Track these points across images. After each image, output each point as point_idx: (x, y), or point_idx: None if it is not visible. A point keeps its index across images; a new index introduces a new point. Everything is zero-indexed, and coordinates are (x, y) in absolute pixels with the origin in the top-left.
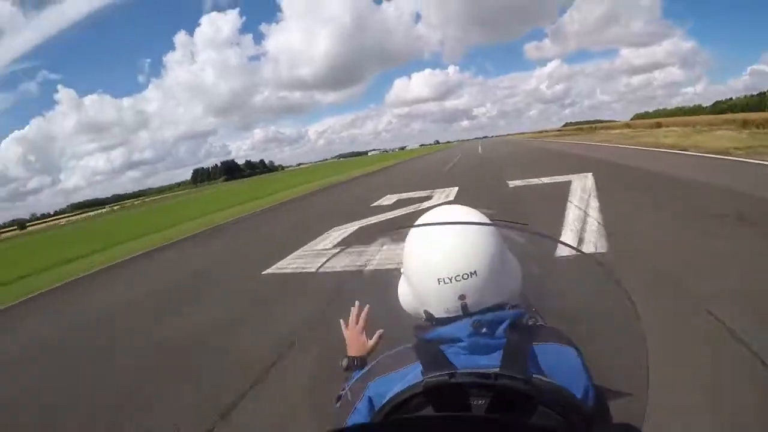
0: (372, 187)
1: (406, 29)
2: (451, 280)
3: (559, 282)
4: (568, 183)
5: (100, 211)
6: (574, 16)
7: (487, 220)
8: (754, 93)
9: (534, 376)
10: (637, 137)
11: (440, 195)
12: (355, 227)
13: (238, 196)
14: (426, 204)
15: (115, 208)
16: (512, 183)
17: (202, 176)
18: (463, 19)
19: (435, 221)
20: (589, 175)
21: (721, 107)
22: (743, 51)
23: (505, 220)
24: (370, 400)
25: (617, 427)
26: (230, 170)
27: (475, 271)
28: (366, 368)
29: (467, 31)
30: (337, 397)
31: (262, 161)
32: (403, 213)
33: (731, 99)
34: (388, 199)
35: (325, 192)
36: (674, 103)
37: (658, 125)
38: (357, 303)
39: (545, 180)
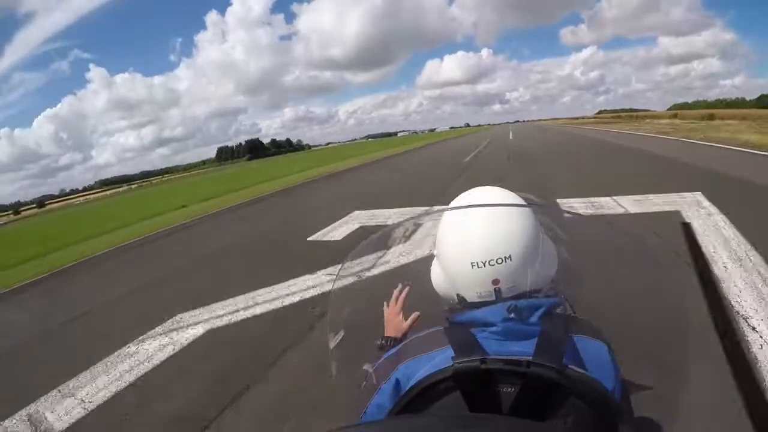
0: (360, 190)
1: (440, 10)
2: (484, 264)
3: (596, 271)
4: (673, 215)
5: (121, 188)
6: (612, 1)
7: (523, 203)
8: None
9: (569, 366)
10: (699, 130)
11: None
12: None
13: (249, 176)
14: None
15: (138, 186)
16: (568, 204)
17: (226, 154)
18: (498, 1)
19: (470, 203)
20: (701, 197)
21: (766, 101)
22: None
23: (539, 202)
24: (397, 381)
25: (641, 421)
26: (255, 149)
27: (509, 256)
28: (395, 349)
29: (502, 14)
30: (363, 377)
31: (288, 140)
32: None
33: None
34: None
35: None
36: (711, 95)
37: (711, 117)
38: (399, 285)
39: (625, 204)
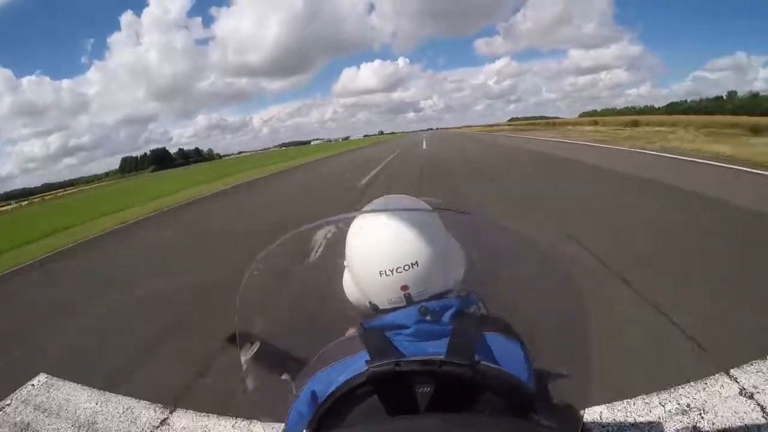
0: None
1: (359, 18)
2: (392, 272)
3: (503, 270)
4: None
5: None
6: (527, 14)
7: (434, 216)
8: (710, 96)
9: (481, 362)
10: (641, 138)
11: None
12: None
13: (127, 196)
14: None
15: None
16: None
17: (130, 165)
18: (417, 12)
19: (377, 218)
20: None
21: (676, 108)
22: (688, 58)
23: (449, 208)
24: (313, 392)
25: (560, 408)
26: (160, 159)
27: (416, 262)
28: (314, 357)
29: (420, 24)
30: (280, 389)
31: (197, 149)
32: None
33: (686, 101)
34: None
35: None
36: (617, 103)
37: (635, 123)
38: None
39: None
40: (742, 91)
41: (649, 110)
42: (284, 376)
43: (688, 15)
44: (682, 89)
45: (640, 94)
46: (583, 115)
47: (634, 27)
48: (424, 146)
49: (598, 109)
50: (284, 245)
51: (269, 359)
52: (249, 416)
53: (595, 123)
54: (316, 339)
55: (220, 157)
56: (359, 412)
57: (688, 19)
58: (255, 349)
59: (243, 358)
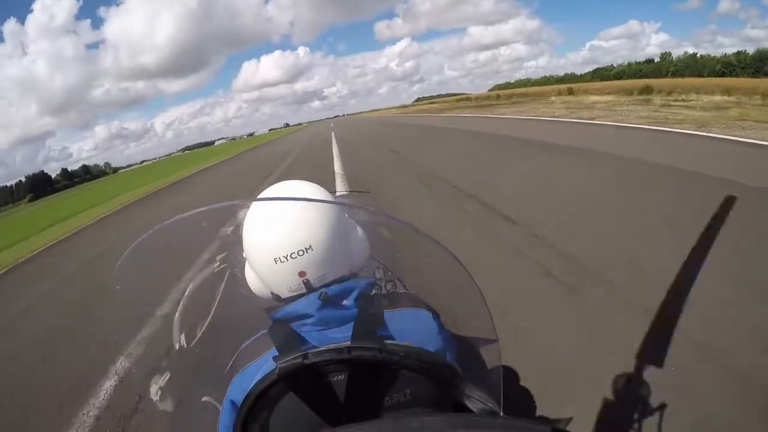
0: None
1: (255, 10)
2: (287, 258)
3: (410, 249)
4: None
5: None
6: None
7: (326, 196)
8: (637, 61)
9: (388, 342)
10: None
11: None
12: None
13: None
14: None
15: None
16: None
17: (4, 197)
18: None
19: (271, 197)
20: None
21: (605, 74)
22: (583, 29)
23: (347, 193)
24: (232, 402)
25: (483, 373)
26: (39, 185)
27: (310, 246)
28: (228, 365)
29: (318, 11)
30: (205, 409)
31: (84, 167)
32: None
33: (613, 66)
34: None
35: None
36: (517, 75)
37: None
38: None
39: None
40: (636, 57)
41: (545, 81)
42: (206, 398)
43: None
44: (579, 58)
45: (539, 65)
46: (496, 88)
47: (530, 1)
48: (334, 141)
49: (511, 81)
50: (156, 241)
51: (185, 380)
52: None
53: (567, 92)
54: (229, 345)
55: (114, 171)
56: (279, 412)
57: None
58: (166, 378)
59: (154, 389)
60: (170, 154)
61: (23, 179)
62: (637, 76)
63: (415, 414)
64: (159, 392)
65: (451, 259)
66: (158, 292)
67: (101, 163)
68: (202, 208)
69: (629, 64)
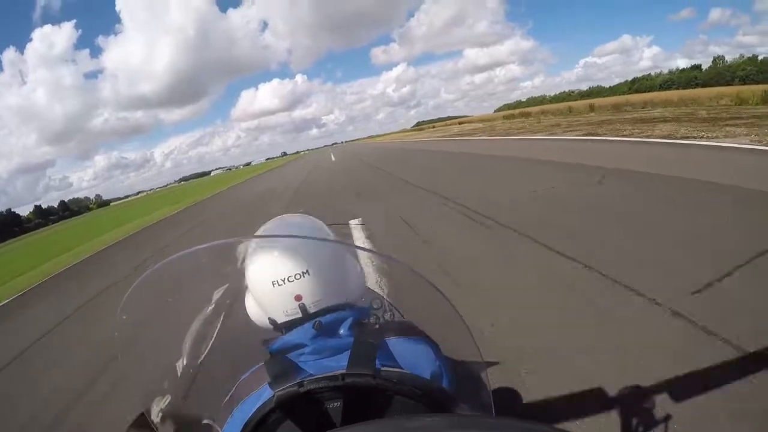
0: None
1: (252, 38)
2: (284, 281)
3: (406, 278)
4: None
5: None
6: (421, 19)
7: (323, 228)
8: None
9: (383, 369)
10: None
11: None
12: None
13: None
14: None
15: None
16: None
17: None
18: (311, 26)
19: (273, 232)
20: None
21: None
22: (576, 47)
23: (342, 223)
24: (231, 428)
25: (475, 397)
26: (2, 225)
27: (306, 270)
28: (227, 397)
29: (315, 38)
30: (203, 428)
31: (62, 203)
32: None
33: (650, 75)
34: None
35: None
36: (513, 96)
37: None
38: None
39: None
40: (629, 72)
41: (539, 101)
42: (205, 421)
43: (575, 4)
44: (573, 76)
45: (535, 85)
46: (503, 108)
47: (524, 22)
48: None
49: (510, 103)
50: (160, 277)
51: (186, 405)
52: None
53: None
54: (228, 374)
55: (105, 204)
56: None
57: (574, 9)
58: (167, 401)
59: (155, 411)
60: (167, 185)
61: None
62: (681, 87)
63: (415, 414)
64: (160, 414)
65: (435, 291)
66: (162, 328)
67: (101, 194)
68: (204, 245)
69: (669, 73)
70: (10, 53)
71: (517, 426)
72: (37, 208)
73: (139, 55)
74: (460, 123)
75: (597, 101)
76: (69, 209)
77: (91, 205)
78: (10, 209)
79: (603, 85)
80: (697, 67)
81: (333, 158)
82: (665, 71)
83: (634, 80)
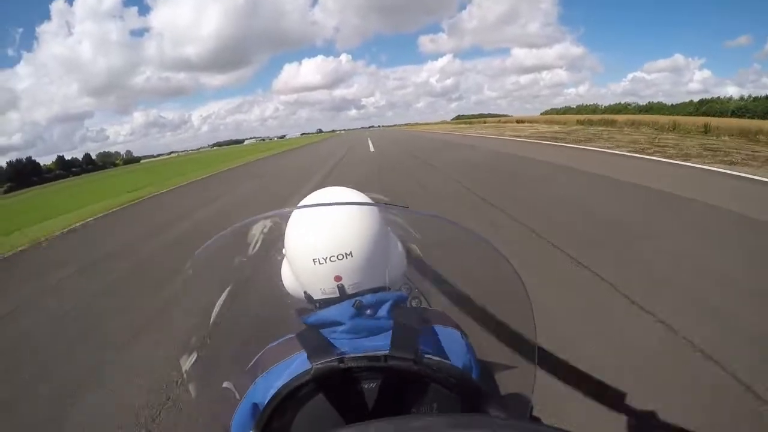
0: None
1: (302, 12)
2: (326, 260)
3: (446, 264)
4: None
5: None
6: (473, 11)
7: (368, 201)
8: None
9: (424, 356)
10: None
11: None
12: None
13: None
14: None
15: None
16: None
17: None
18: (361, 7)
19: (316, 203)
20: None
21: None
22: (626, 60)
23: (389, 203)
24: (257, 394)
25: (509, 397)
26: (22, 174)
27: (350, 252)
28: (252, 362)
29: (364, 19)
30: (225, 394)
31: (87, 155)
32: None
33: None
34: None
35: None
36: (556, 102)
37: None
38: None
39: None
40: (677, 92)
41: (593, 109)
42: (226, 384)
43: (630, 17)
44: (619, 88)
45: (579, 93)
46: (545, 113)
47: (576, 27)
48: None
49: (556, 108)
50: (220, 242)
51: (211, 365)
52: (194, 426)
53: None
54: (256, 340)
55: (135, 160)
56: (304, 413)
57: (629, 21)
58: (194, 359)
59: (184, 368)
60: (200, 149)
61: (4, 165)
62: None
63: (415, 414)
64: (186, 374)
65: (507, 273)
66: (208, 289)
67: (132, 150)
68: (254, 218)
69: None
70: (59, 3)
71: (516, 426)
72: (60, 158)
73: (187, 17)
74: (518, 122)
75: (711, 121)
76: (93, 162)
77: (117, 161)
78: (29, 157)
79: (658, 101)
80: None
81: (371, 148)
82: (716, 95)
83: (702, 101)
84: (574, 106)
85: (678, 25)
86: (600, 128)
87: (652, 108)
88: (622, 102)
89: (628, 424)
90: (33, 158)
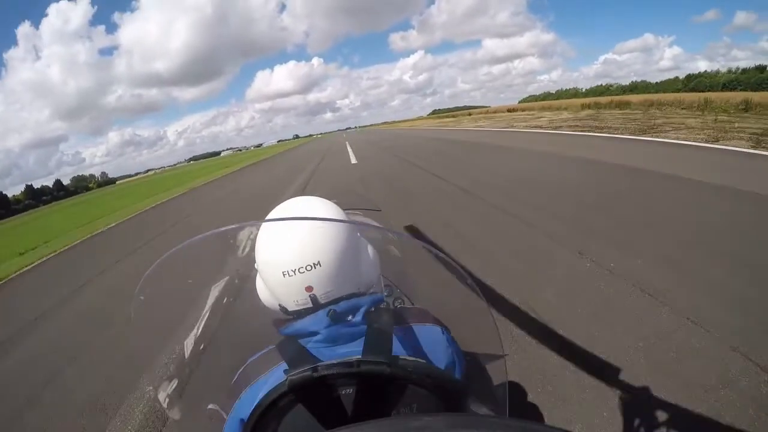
0: None
1: (270, 19)
2: (295, 272)
3: (419, 265)
4: None
5: None
6: (442, 6)
7: (337, 213)
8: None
9: (398, 357)
10: None
11: None
12: None
13: None
14: None
15: None
16: None
17: None
18: (330, 9)
19: (284, 215)
20: None
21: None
22: (596, 43)
23: (358, 208)
24: (241, 410)
25: (489, 389)
26: None
27: (318, 262)
28: (234, 377)
29: (333, 22)
30: (210, 416)
31: (58, 182)
32: None
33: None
34: None
35: None
36: (530, 90)
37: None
38: None
39: None
40: (649, 71)
41: (573, 93)
42: (211, 406)
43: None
44: (591, 72)
45: (552, 79)
46: (524, 101)
47: (546, 14)
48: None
49: (528, 96)
50: (175, 259)
51: (193, 388)
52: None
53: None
54: (236, 355)
55: (112, 182)
56: (286, 424)
57: (597, 4)
58: (174, 385)
59: (162, 396)
60: (176, 165)
61: None
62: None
63: (414, 414)
64: (167, 399)
65: (460, 274)
66: (174, 310)
67: (107, 171)
68: (216, 230)
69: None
70: (25, 27)
71: (517, 426)
72: (29, 187)
73: (155, 32)
74: (509, 111)
75: (710, 95)
76: (64, 188)
77: (90, 185)
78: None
79: (642, 80)
80: (762, 69)
81: (352, 158)
82: (688, 72)
83: (690, 77)
84: (554, 92)
85: (646, 4)
86: (620, 112)
87: (637, 87)
88: (603, 84)
89: None
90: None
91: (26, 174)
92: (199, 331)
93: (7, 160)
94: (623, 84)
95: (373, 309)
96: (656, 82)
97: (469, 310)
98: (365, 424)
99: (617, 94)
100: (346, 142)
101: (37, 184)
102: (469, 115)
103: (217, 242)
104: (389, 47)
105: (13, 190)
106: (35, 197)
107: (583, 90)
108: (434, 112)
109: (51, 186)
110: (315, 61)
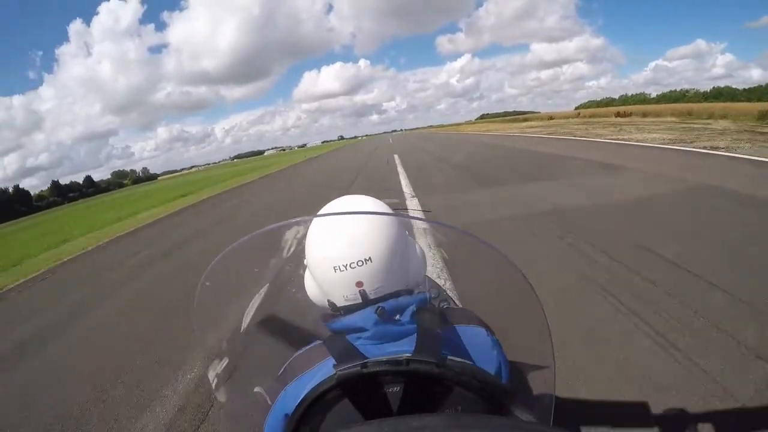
0: None
1: (318, 20)
2: (346, 267)
3: (467, 266)
4: None
5: None
6: (490, 9)
7: (388, 210)
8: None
9: (448, 358)
10: None
11: None
12: None
13: None
14: None
15: None
16: None
17: None
18: (377, 11)
19: (335, 211)
20: None
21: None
22: (647, 49)
23: (407, 209)
24: (287, 401)
25: (534, 397)
26: (5, 204)
27: (369, 258)
28: (281, 369)
29: (380, 23)
30: (255, 400)
31: (88, 177)
32: None
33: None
34: None
35: None
36: (578, 96)
37: None
38: None
39: None
40: (700, 79)
41: (643, 100)
42: (257, 389)
43: (649, 5)
44: (641, 78)
45: (600, 85)
46: (580, 107)
47: (595, 19)
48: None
49: (587, 102)
50: (237, 252)
51: (241, 371)
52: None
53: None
54: (284, 347)
55: (153, 177)
56: (332, 418)
57: (648, 9)
58: (224, 365)
59: (211, 374)
60: (220, 162)
61: None
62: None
63: (416, 414)
64: (215, 378)
65: (515, 275)
66: (232, 297)
67: (148, 167)
68: (272, 226)
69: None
70: (76, 25)
71: (518, 426)
72: (54, 183)
73: (204, 31)
74: (618, 114)
75: None
76: (95, 185)
77: (125, 181)
78: (18, 187)
79: (726, 85)
80: None
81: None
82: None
83: (751, 89)
84: (617, 97)
85: (698, 10)
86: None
87: (722, 94)
88: (678, 89)
89: None
90: (20, 186)
91: (77, 165)
92: (248, 322)
93: (60, 152)
94: (700, 90)
95: (420, 309)
96: (743, 89)
97: (519, 316)
98: (368, 423)
99: (696, 101)
100: (395, 155)
101: (94, 176)
102: (524, 120)
103: (270, 238)
104: (436, 50)
105: (64, 181)
106: (61, 194)
107: (653, 95)
108: (481, 116)
109: (81, 182)
110: (362, 62)
